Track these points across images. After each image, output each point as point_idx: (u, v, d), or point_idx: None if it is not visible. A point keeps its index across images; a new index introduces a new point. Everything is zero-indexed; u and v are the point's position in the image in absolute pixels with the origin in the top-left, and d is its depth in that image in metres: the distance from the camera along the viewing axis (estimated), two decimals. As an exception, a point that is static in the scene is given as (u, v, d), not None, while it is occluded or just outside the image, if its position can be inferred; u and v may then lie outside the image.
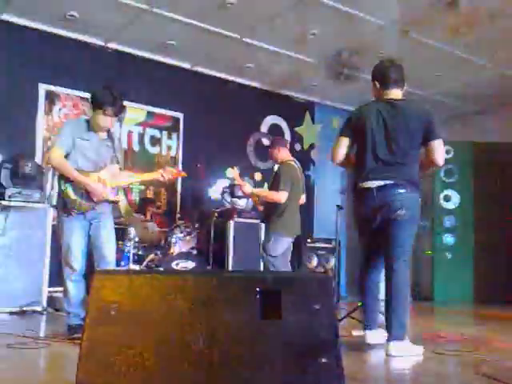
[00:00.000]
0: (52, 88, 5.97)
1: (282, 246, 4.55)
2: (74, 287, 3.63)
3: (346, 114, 3.59)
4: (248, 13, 5.45)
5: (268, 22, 5.65)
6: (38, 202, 5.05)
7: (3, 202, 4.85)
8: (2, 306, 4.74)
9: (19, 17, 5.63)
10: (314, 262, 7.08)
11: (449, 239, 7.66)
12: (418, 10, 5.25)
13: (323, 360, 1.91)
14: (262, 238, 6.69)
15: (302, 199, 4.85)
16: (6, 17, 5.57)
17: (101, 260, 3.67)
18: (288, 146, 5.11)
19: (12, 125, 5.58)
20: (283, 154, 4.81)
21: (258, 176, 7.70)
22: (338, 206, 6.04)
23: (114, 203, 3.85)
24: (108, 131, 3.79)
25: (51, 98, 5.97)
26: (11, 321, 4.51)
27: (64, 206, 3.59)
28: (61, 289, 4.89)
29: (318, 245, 7.20)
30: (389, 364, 3.10)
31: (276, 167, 4.99)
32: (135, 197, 6.60)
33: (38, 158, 5.75)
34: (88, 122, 3.74)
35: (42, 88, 5.90)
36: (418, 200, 3.33)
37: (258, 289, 2.08)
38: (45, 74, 5.86)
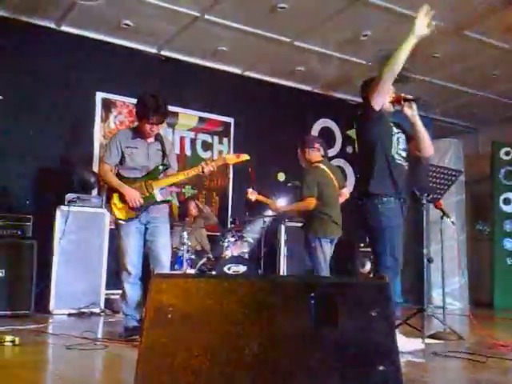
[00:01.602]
0: (108, 96, 6.15)
1: (319, 249, 4.44)
2: (131, 289, 3.72)
3: (399, 115, 3.51)
4: (299, 16, 5.44)
5: (319, 24, 5.62)
6: (96, 207, 5.21)
7: (63, 207, 5.03)
8: (62, 307, 4.90)
9: (77, 28, 5.83)
10: (368, 266, 6.95)
11: (509, 244, 7.35)
12: (473, 8, 5.09)
13: (382, 368, 1.85)
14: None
15: (345, 194, 4.72)
16: (64, 28, 5.79)
17: (156, 264, 3.72)
18: (317, 145, 4.75)
19: (70, 132, 5.78)
20: (309, 156, 4.67)
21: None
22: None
23: (165, 203, 3.85)
24: (156, 135, 3.82)
25: (107, 105, 6.15)
26: (70, 322, 4.66)
27: (114, 213, 3.71)
28: (118, 291, 5.06)
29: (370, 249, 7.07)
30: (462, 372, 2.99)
31: None
32: (188, 200, 6.68)
33: (95, 165, 5.93)
34: (135, 129, 3.83)
35: (99, 96, 6.09)
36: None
37: (312, 294, 2.05)
38: (101, 82, 6.05)
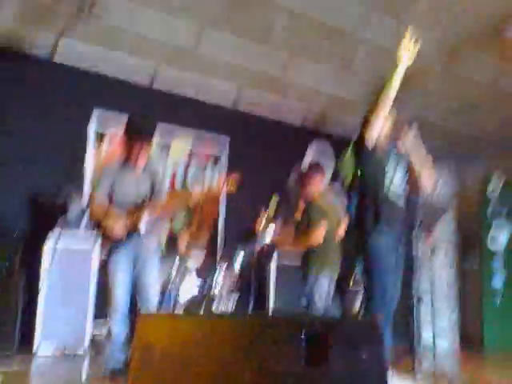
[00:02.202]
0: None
1: (320, 286, 4.41)
2: (118, 329, 3.62)
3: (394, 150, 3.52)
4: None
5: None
6: (84, 244, 5.13)
7: (50, 244, 4.94)
8: (46, 347, 4.76)
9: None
10: (357, 305, 6.87)
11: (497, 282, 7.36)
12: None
13: (373, 411, 1.82)
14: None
15: (341, 229, 4.68)
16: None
17: (143, 302, 3.67)
18: (318, 174, 4.75)
19: (60, 160, 5.70)
20: (311, 189, 4.66)
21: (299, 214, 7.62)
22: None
23: (150, 233, 3.78)
24: (146, 166, 3.79)
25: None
26: (54, 363, 4.53)
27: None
28: (103, 331, 4.96)
29: (360, 288, 6.99)
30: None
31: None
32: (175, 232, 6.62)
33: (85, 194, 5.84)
34: (125, 161, 3.76)
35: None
36: None
37: (303, 333, 2.02)
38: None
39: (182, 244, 6.17)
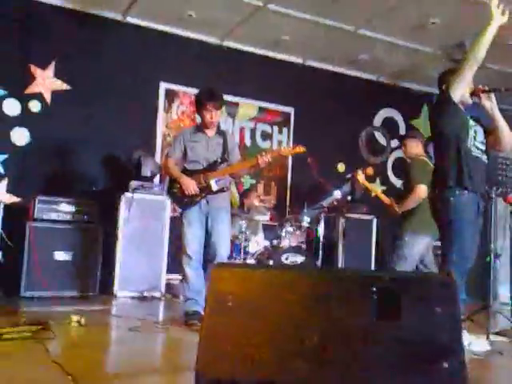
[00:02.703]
0: (171, 86, 6.25)
1: (418, 245, 4.28)
2: (193, 274, 3.82)
3: (476, 108, 3.37)
4: (363, 4, 5.31)
5: (384, 12, 5.46)
6: (158, 195, 5.34)
7: (127, 194, 5.19)
8: (125, 290, 5.07)
9: (142, 19, 5.95)
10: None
11: None
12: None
13: (446, 365, 1.80)
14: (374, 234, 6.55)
15: None
16: (129, 19, 5.92)
17: (214, 254, 3.84)
18: (420, 141, 4.68)
19: (135, 122, 5.92)
20: (412, 149, 4.59)
21: (369, 171, 7.50)
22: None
23: (221, 191, 3.94)
24: (220, 131, 4.04)
25: (170, 96, 6.26)
26: (132, 305, 4.81)
27: (174, 201, 4.07)
28: (177, 276, 5.19)
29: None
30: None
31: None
32: (246, 190, 6.72)
33: (157, 153, 6.07)
34: (197, 125, 4.10)
35: (163, 86, 6.20)
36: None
37: (374, 288, 2.01)
38: (165, 72, 6.15)
39: (253, 199, 6.27)
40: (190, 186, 3.83)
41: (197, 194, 3.84)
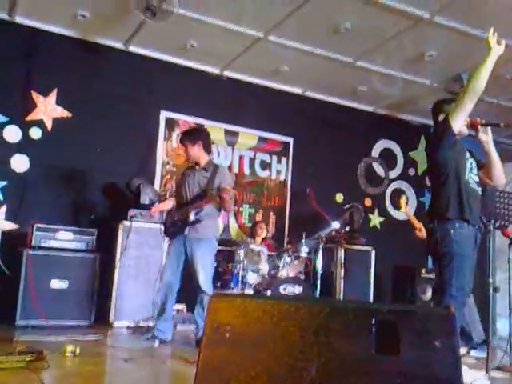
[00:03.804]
0: (172, 115, 6.30)
1: None
2: (162, 300, 4.19)
3: (468, 140, 3.40)
4: (362, 36, 5.41)
5: (382, 44, 5.56)
6: (156, 223, 5.31)
7: (125, 222, 5.17)
8: (121, 320, 5.01)
9: (143, 48, 6.03)
10: (429, 294, 6.69)
11: None
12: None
13: (446, 402, 1.77)
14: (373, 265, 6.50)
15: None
16: (131, 48, 6.00)
17: (196, 282, 4.07)
18: None
19: (135, 150, 5.95)
20: None
21: (367, 202, 7.52)
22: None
23: (197, 222, 4.16)
24: (208, 163, 4.33)
25: (170, 124, 6.30)
26: (128, 335, 4.74)
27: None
28: (175, 306, 5.14)
29: (432, 276, 6.80)
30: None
31: None
32: (244, 220, 6.72)
33: (157, 181, 6.08)
34: (189, 163, 4.57)
35: (163, 115, 6.25)
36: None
37: (373, 320, 1.99)
38: (165, 101, 6.21)
39: (260, 231, 6.29)
40: (152, 209, 4.65)
41: (178, 226, 4.16)
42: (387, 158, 7.71)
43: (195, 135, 4.36)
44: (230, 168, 6.55)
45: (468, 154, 3.32)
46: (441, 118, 3.29)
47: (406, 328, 1.95)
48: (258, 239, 6.27)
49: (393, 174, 7.76)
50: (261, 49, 5.81)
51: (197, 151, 4.28)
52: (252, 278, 5.65)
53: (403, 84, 6.54)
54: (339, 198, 7.27)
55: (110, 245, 5.20)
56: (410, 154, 7.84)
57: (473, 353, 4.17)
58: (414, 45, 5.54)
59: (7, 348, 3.24)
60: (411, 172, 7.85)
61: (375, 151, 7.67)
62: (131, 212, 5.25)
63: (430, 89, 6.54)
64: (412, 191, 7.74)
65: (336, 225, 6.13)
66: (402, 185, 7.74)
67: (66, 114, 5.66)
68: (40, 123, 5.54)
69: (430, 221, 3.28)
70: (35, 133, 5.50)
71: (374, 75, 6.35)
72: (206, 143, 4.35)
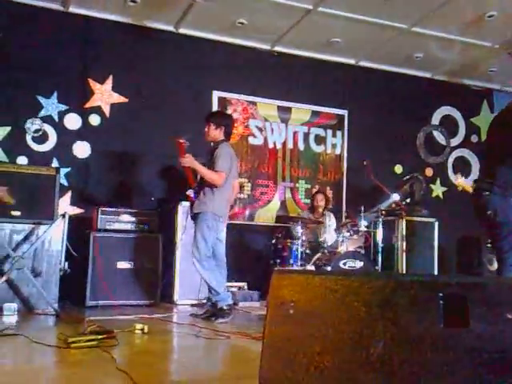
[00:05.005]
0: (224, 94, 6.31)
1: None
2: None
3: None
4: (416, 1, 5.19)
5: (438, 8, 5.31)
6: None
7: (184, 203, 5.26)
8: (185, 298, 5.13)
9: (193, 29, 6.04)
10: (495, 264, 6.47)
11: None
12: None
13: (522, 377, 1.70)
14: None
15: None
16: (182, 30, 6.03)
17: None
18: None
19: (188, 131, 5.99)
20: None
21: (428, 172, 7.30)
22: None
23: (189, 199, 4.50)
24: (218, 142, 4.42)
25: (223, 104, 6.31)
26: (193, 313, 4.86)
27: None
28: (236, 284, 5.21)
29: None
30: None
31: None
32: (300, 195, 6.68)
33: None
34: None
35: (216, 95, 6.26)
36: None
37: (440, 294, 1.93)
38: (217, 81, 6.22)
39: (321, 200, 6.21)
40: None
41: None
42: (448, 126, 7.43)
43: (221, 119, 4.52)
44: (284, 144, 6.52)
45: None
46: None
47: (475, 301, 1.88)
48: (319, 210, 6.17)
49: (454, 141, 7.48)
50: (311, 21, 5.69)
51: (217, 134, 4.42)
52: (311, 254, 5.64)
53: (462, 47, 6.25)
54: (398, 169, 7.10)
55: (170, 225, 5.32)
56: (472, 120, 7.52)
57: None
58: (473, 5, 5.26)
59: (80, 328, 3.39)
60: (474, 139, 7.54)
61: (435, 119, 7.41)
62: (189, 193, 5.32)
63: (491, 51, 6.22)
64: (475, 159, 7.44)
65: (396, 197, 5.99)
66: (464, 152, 7.46)
67: (122, 99, 5.78)
68: (98, 110, 5.69)
69: (484, 188, 3.14)
70: (94, 119, 5.67)
71: (430, 40, 6.10)
72: (228, 131, 4.49)
